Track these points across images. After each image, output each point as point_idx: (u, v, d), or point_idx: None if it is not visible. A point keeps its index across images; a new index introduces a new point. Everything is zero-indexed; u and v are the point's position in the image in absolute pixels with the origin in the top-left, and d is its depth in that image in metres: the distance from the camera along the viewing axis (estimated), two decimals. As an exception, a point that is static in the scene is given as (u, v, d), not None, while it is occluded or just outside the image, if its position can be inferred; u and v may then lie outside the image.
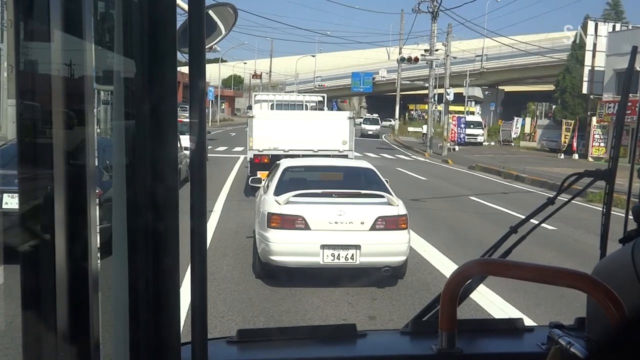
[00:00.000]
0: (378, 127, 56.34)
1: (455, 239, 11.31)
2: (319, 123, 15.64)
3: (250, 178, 10.88)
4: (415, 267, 8.71)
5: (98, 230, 1.24)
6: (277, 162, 9.78)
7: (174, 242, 1.30)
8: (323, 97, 23.29)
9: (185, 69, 1.38)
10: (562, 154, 37.12)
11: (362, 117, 60.59)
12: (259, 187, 9.72)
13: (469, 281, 1.80)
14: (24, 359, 1.16)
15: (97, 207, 1.24)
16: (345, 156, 14.76)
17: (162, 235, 1.29)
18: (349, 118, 15.69)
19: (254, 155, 15.28)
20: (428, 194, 17.60)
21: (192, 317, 1.31)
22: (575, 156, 36.37)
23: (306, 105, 22.08)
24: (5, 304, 5.97)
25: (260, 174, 13.38)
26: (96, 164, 1.26)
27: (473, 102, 62.95)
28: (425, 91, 44.17)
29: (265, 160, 14.87)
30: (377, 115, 61.86)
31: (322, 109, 22.14)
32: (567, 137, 38.38)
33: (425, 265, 9.00)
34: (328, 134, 15.18)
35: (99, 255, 1.25)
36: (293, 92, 60.02)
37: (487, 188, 20.17)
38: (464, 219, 13.84)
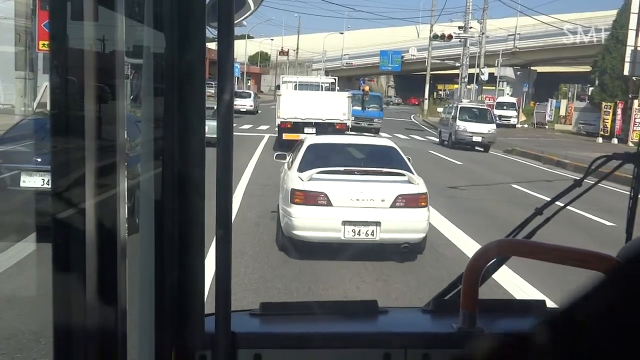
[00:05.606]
0: (493, 128, 27.69)
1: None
2: (327, 100, 21.83)
3: (275, 154, 11.05)
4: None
5: (127, 203, 1.28)
6: (302, 138, 10.32)
7: (200, 216, 1.40)
8: (335, 80, 29.77)
9: (210, 45, 1.58)
10: (601, 138, 35.49)
11: (449, 106, 30.95)
12: (284, 162, 9.84)
13: (492, 261, 1.80)
14: (54, 325, 1.22)
15: (126, 180, 1.27)
16: (345, 124, 20.82)
17: (189, 208, 1.39)
18: (348, 97, 21.86)
19: (281, 121, 20.93)
20: (466, 180, 16.37)
21: (216, 289, 1.40)
22: (615, 140, 34.71)
23: (322, 85, 28.56)
24: (37, 271, 6.10)
25: (285, 135, 20.21)
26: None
27: (504, 83, 61.08)
28: (456, 71, 42.60)
29: (289, 125, 20.71)
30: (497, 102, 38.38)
31: (334, 89, 27.70)
32: (606, 120, 36.68)
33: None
34: (332, 108, 21.01)
35: (126, 226, 1.28)
36: (320, 69, 60.31)
37: (528, 175, 18.81)
38: (510, 212, 12.51)
